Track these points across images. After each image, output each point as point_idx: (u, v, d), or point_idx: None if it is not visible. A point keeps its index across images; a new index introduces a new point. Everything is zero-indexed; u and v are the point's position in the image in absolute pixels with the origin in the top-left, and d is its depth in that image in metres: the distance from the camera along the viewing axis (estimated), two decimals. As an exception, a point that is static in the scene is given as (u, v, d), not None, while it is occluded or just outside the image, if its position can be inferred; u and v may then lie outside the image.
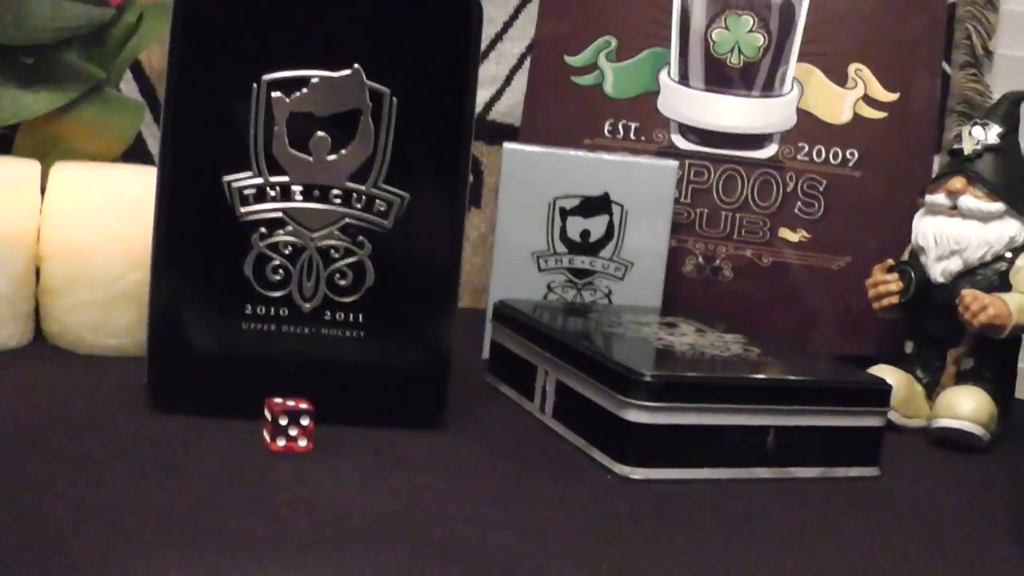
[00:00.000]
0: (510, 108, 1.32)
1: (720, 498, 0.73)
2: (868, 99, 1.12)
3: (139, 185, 0.90)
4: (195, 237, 0.78)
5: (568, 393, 0.82)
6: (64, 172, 0.92)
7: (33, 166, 0.92)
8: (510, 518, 0.66)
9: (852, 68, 1.12)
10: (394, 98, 0.77)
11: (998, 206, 0.95)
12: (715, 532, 0.67)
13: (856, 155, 1.11)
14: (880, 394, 0.82)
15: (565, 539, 0.63)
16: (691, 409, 0.76)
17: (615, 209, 1.01)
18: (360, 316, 0.79)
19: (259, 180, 0.77)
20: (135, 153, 1.11)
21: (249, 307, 0.78)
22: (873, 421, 0.81)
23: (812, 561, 0.64)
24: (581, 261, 1.02)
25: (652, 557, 0.62)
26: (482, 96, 1.32)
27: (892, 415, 0.90)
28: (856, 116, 1.12)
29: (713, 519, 0.70)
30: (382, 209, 0.78)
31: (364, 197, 0.78)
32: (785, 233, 1.12)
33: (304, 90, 0.77)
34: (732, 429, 0.77)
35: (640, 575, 0.60)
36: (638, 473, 0.75)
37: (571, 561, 0.60)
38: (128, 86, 1.26)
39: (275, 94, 0.76)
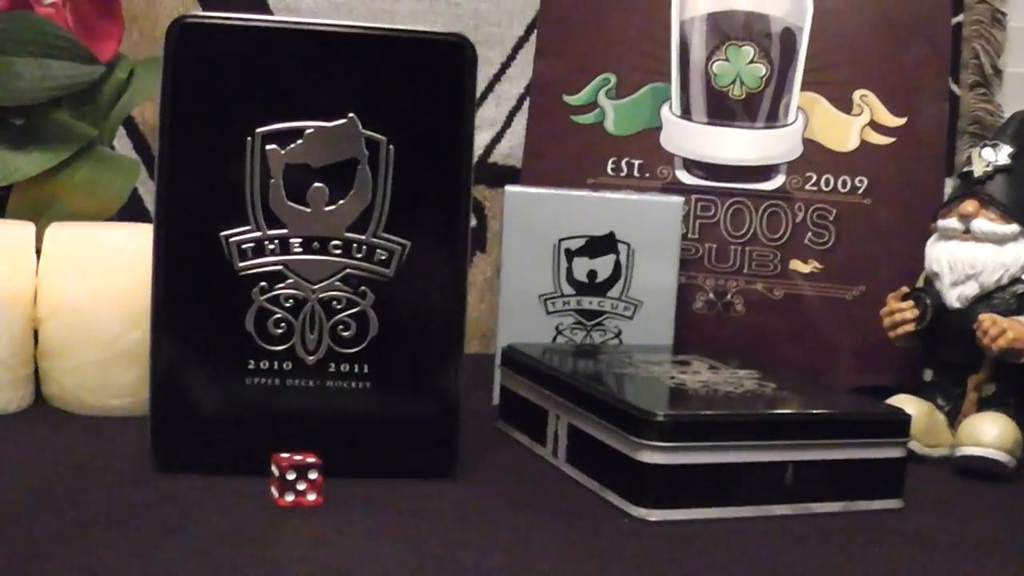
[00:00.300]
0: (511, 150, 1.33)
1: (739, 537, 0.74)
2: (875, 125, 1.13)
3: (136, 243, 0.91)
4: (194, 294, 0.78)
5: (581, 436, 0.83)
6: (59, 233, 0.93)
7: (27, 228, 0.93)
8: (526, 568, 0.66)
9: (857, 94, 1.13)
10: (391, 146, 0.78)
11: (1012, 227, 0.95)
12: (736, 573, 0.67)
13: (865, 182, 1.12)
14: (900, 424, 0.82)
15: (582, 586, 0.64)
16: (706, 448, 0.76)
17: (621, 248, 1.02)
18: (365, 367, 0.79)
19: (257, 234, 0.78)
20: (131, 211, 1.13)
21: (252, 362, 0.78)
22: (894, 452, 0.81)
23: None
24: (589, 302, 1.03)
25: (672, 600, 0.63)
26: (482, 139, 1.33)
27: (913, 445, 0.90)
28: (863, 143, 1.13)
29: (733, 560, 0.70)
30: (383, 258, 0.79)
31: (364, 247, 0.79)
32: (796, 265, 1.13)
33: (299, 141, 0.78)
34: (749, 466, 0.77)
35: (660, 619, 0.60)
36: (655, 515, 0.75)
37: (589, 608, 0.61)
38: (122, 143, 1.27)
39: (270, 146, 0.77)
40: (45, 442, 0.86)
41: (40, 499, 0.73)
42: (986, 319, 0.92)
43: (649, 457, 0.75)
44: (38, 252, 0.94)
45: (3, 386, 0.91)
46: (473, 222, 1.34)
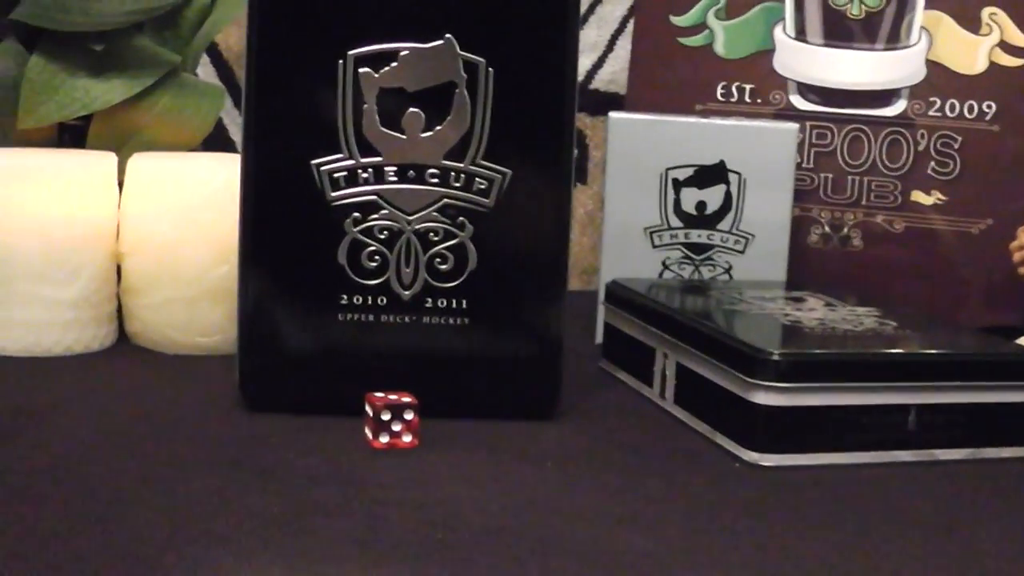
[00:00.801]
0: (614, 76, 1.32)
1: (858, 485, 0.73)
2: (1005, 45, 1.11)
3: (222, 174, 0.91)
4: (284, 226, 0.79)
5: (690, 377, 0.82)
6: (141, 164, 0.94)
7: (109, 159, 0.94)
8: (631, 514, 0.66)
9: (986, 12, 1.11)
10: (490, 69, 0.78)
11: None
12: (853, 522, 0.67)
13: (994, 108, 1.10)
14: (1031, 366, 0.81)
15: (691, 535, 0.63)
16: (823, 389, 0.75)
17: (732, 178, 1.01)
18: (464, 302, 0.79)
19: (350, 162, 0.78)
20: (216, 141, 1.13)
21: (344, 297, 0.79)
22: (1024, 397, 0.80)
23: (961, 553, 0.63)
24: (698, 235, 1.02)
25: (786, 551, 0.62)
26: (583, 64, 1.33)
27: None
28: (992, 65, 1.11)
29: (851, 508, 0.69)
30: (483, 187, 0.79)
31: (463, 175, 0.78)
32: (918, 196, 1.11)
33: (394, 64, 0.77)
34: (869, 409, 0.76)
35: (774, 571, 0.59)
36: (768, 460, 0.75)
37: (699, 558, 0.60)
38: (205, 70, 1.28)
39: (363, 70, 0.77)
40: (129, 382, 0.87)
41: (123, 441, 0.74)
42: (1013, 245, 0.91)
43: (763, 398, 0.75)
44: (120, 184, 0.94)
45: (86, 324, 0.92)
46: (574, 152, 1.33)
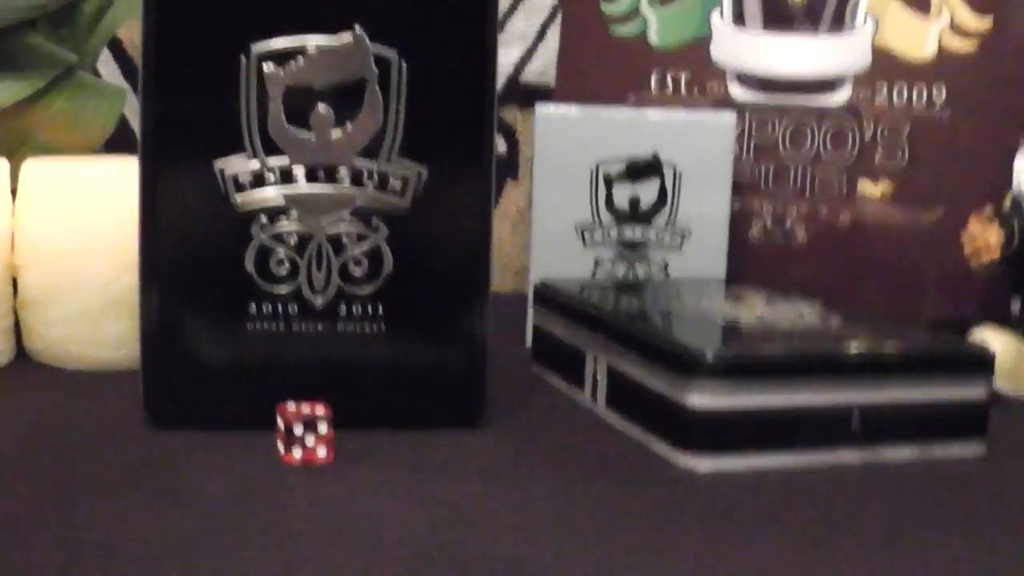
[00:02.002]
0: (544, 67, 1.33)
1: (800, 488, 0.74)
2: (955, 28, 1.13)
3: (124, 178, 0.91)
4: (187, 232, 0.79)
5: (622, 379, 0.83)
6: (36, 170, 0.93)
7: (1, 165, 0.94)
8: (562, 525, 0.67)
9: (934, -7, 1.12)
10: (403, 62, 0.78)
11: (1109, 139, 0.95)
12: (794, 528, 0.68)
13: (944, 93, 1.12)
14: (982, 362, 0.82)
15: (622, 545, 0.64)
16: (761, 390, 0.76)
17: (667, 172, 1.02)
18: (380, 308, 0.80)
19: (255, 164, 0.78)
20: (121, 143, 1.13)
21: (253, 306, 0.79)
22: (975, 393, 0.81)
23: (909, 556, 0.64)
24: (631, 232, 1.03)
25: (726, 560, 0.63)
26: (512, 56, 1.33)
27: (999, 385, 0.90)
28: (942, 49, 1.13)
29: (792, 513, 0.70)
30: (397, 187, 0.79)
31: (376, 175, 0.79)
32: (865, 187, 1.12)
33: (300, 61, 0.78)
34: (811, 410, 0.77)
35: (710, 578, 0.60)
36: (705, 465, 0.76)
37: (630, 570, 0.61)
38: (108, 68, 1.28)
39: (267, 67, 0.77)
40: (28, 401, 0.86)
41: (22, 465, 0.74)
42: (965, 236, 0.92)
43: (698, 401, 0.76)
44: (13, 192, 0.94)
45: (-20, 340, 0.92)
46: (503, 148, 1.34)
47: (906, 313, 1.08)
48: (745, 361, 0.77)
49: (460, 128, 0.80)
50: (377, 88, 0.78)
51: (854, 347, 0.80)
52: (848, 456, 0.78)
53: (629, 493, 0.72)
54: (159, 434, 0.79)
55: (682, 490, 0.73)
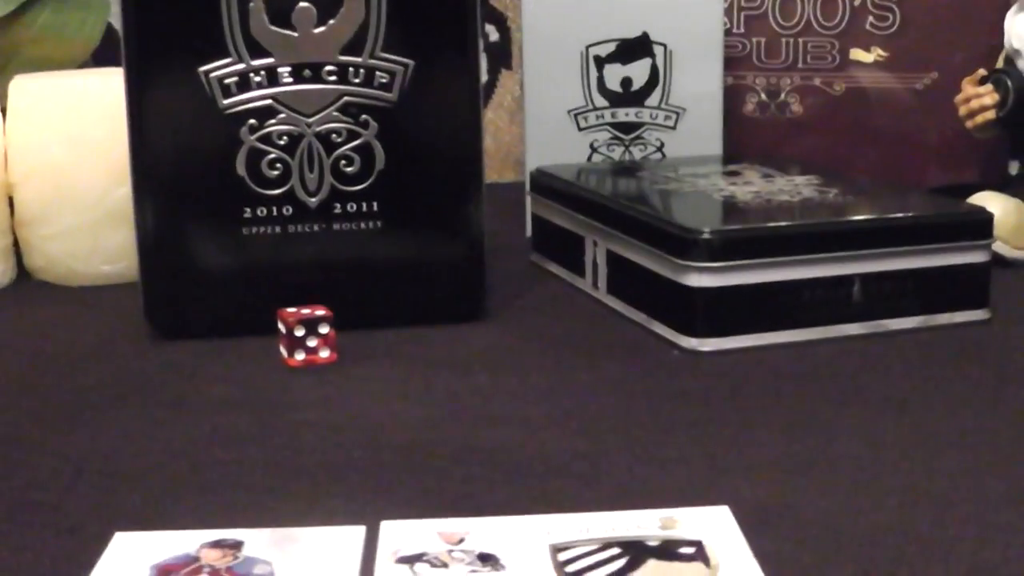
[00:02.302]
0: (531, -49, 1.31)
1: (804, 364, 0.73)
2: None
3: (114, 88, 0.89)
4: (177, 140, 0.77)
5: (621, 264, 0.82)
6: (25, 86, 0.92)
7: (-12, 83, 0.93)
8: (565, 413, 0.66)
9: None
10: (382, -48, 0.77)
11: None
12: (802, 402, 0.67)
13: (932, -47, 1.10)
14: (981, 225, 0.81)
15: (629, 431, 0.63)
16: (760, 266, 0.75)
17: (657, 50, 1.00)
18: (375, 205, 0.79)
19: (240, 66, 0.77)
20: (110, 54, 1.11)
21: (248, 210, 0.78)
22: (976, 257, 0.80)
23: (916, 425, 0.64)
24: (625, 114, 1.01)
25: (730, 439, 0.62)
26: (499, -58, 1.31)
27: (1000, 247, 0.89)
28: (929, -91, 1.10)
29: (798, 388, 0.69)
30: (384, 81, 0.78)
31: (362, 70, 0.77)
32: (858, 54, 1.11)
33: (278, -44, 0.76)
34: (810, 283, 0.76)
35: (720, 463, 0.59)
36: (708, 345, 0.75)
37: (636, 453, 0.60)
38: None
39: (245, -35, 0.76)
40: (29, 318, 0.86)
41: (22, 381, 0.73)
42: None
43: (697, 280, 0.75)
44: (3, 110, 0.93)
45: (-21, 261, 0.91)
46: (495, 36, 1.32)
47: (905, 181, 1.07)
48: (741, 237, 0.75)
49: (444, 19, 0.78)
50: (359, -19, 0.77)
51: (852, 218, 0.79)
52: (851, 329, 0.77)
53: (632, 378, 0.71)
54: (162, 344, 0.78)
55: (686, 372, 0.72)
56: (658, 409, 0.66)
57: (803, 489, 0.56)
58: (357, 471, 0.59)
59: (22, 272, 0.95)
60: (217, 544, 0.51)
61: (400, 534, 0.52)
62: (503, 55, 1.33)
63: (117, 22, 1.09)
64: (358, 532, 0.52)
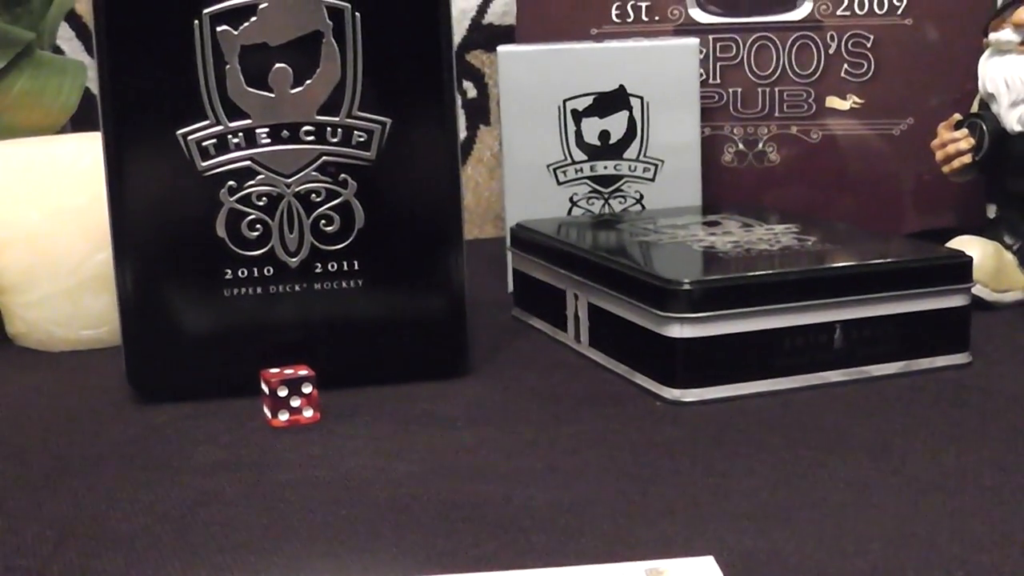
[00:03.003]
0: (507, 7, 1.32)
1: (787, 412, 0.73)
2: (910, -66, 1.11)
3: (91, 153, 0.90)
4: (156, 203, 0.78)
5: (602, 316, 0.82)
6: (3, 152, 0.92)
7: (-34, 150, 0.93)
8: (549, 467, 0.66)
9: None
10: (357, 13, 0.77)
11: (1076, 34, 0.94)
12: (786, 451, 0.67)
13: (905, 1, 1.10)
14: (960, 268, 0.81)
15: (614, 482, 0.64)
16: (741, 315, 0.75)
17: (634, 103, 1.01)
18: (355, 263, 0.79)
19: (218, 128, 0.77)
20: (88, 119, 1.12)
21: (229, 271, 0.78)
22: (957, 301, 0.81)
23: (899, 470, 0.64)
24: (604, 167, 1.02)
25: (716, 489, 0.62)
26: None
27: (979, 291, 0.89)
28: (900, -44, 1.11)
29: (782, 436, 0.69)
30: (362, 140, 0.78)
31: (340, 130, 0.78)
32: (833, 102, 1.11)
33: (253, 19, 0.77)
34: (791, 331, 0.77)
35: (704, 513, 0.60)
36: (690, 395, 0.75)
37: (621, 507, 0.61)
38: (71, 45, 1.27)
39: (221, 28, 0.76)
40: (13, 384, 0.86)
41: (10, 447, 0.73)
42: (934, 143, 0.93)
43: (678, 331, 0.75)
44: (-18, 177, 0.93)
45: (-39, 328, 0.91)
46: (474, 93, 1.33)
47: (883, 226, 1.08)
48: (721, 287, 0.76)
49: (420, 77, 0.79)
50: (333, 41, 0.77)
51: (831, 265, 0.79)
52: (833, 376, 0.78)
53: (616, 430, 0.72)
54: (145, 408, 0.78)
55: (670, 423, 0.72)
56: (642, 460, 0.67)
57: (788, 536, 0.56)
58: (342, 529, 0.59)
59: (3, 338, 0.95)
60: (203, 606, 0.51)
61: (386, 591, 0.52)
62: (481, 111, 1.34)
63: (95, 86, 1.10)
64: (344, 590, 0.52)
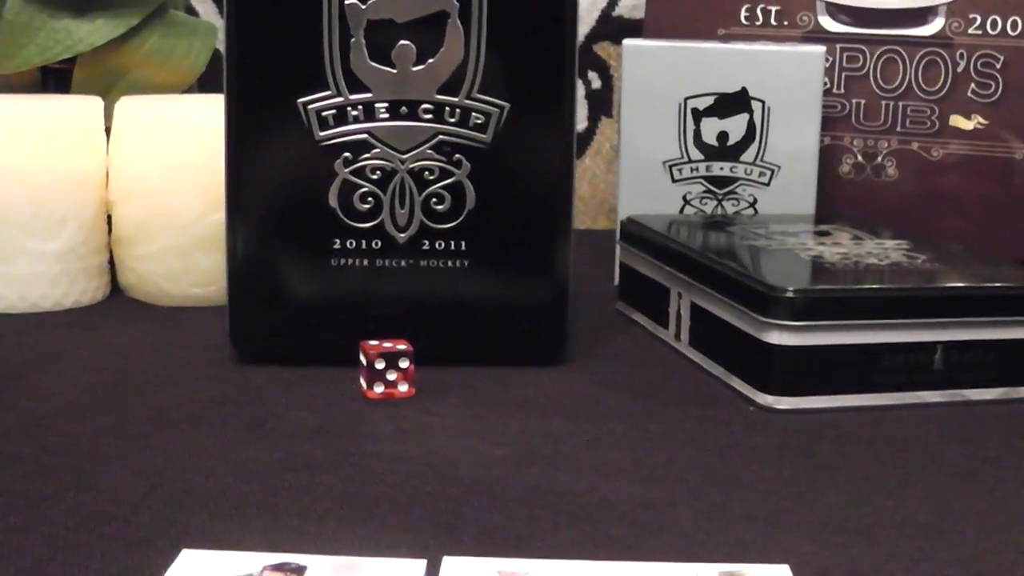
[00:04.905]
0: (637, 2, 1.31)
1: (878, 428, 0.73)
2: (1051, -44, 1.10)
3: (215, 115, 0.91)
4: (272, 169, 0.79)
5: (704, 317, 0.82)
6: (130, 107, 0.94)
7: (95, 103, 0.94)
8: (636, 462, 0.66)
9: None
10: (484, -5, 0.78)
11: None
12: (874, 467, 0.67)
13: (1039, 24, 1.09)
14: (1070, 300, 0.80)
15: (698, 483, 0.64)
16: (841, 327, 0.75)
17: (756, 106, 1.01)
18: (463, 244, 0.80)
19: (339, 99, 0.78)
20: (215, 80, 1.13)
21: (337, 241, 0.79)
22: (1063, 331, 0.80)
23: (987, 497, 0.63)
24: (720, 168, 1.02)
25: (798, 499, 0.62)
26: (605, -10, 1.32)
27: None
28: (1037, -22, 1.10)
29: (871, 452, 0.69)
30: (479, 122, 0.79)
31: (458, 110, 0.78)
32: (957, 121, 1.10)
33: (382, -7, 0.77)
34: (891, 348, 0.76)
35: (785, 522, 0.60)
36: (784, 403, 0.75)
37: (701, 506, 0.61)
38: (205, 7, 1.28)
39: (349, 1, 0.77)
40: (118, 336, 0.87)
41: (106, 398, 0.75)
42: None
43: (777, 338, 0.75)
44: (108, 130, 0.95)
45: (75, 276, 0.93)
46: (598, 84, 1.33)
47: (998, 251, 1.06)
48: (824, 297, 0.75)
49: (541, 64, 0.79)
50: (458, 22, 0.78)
51: (937, 285, 0.79)
52: (930, 396, 0.77)
53: (706, 431, 0.71)
54: (245, 369, 0.80)
55: (761, 429, 0.72)
56: (729, 464, 0.67)
57: (866, 553, 0.56)
58: (424, 505, 0.60)
59: (115, 289, 0.97)
60: (280, 567, 0.52)
61: (461, 570, 0.52)
62: (604, 103, 1.34)
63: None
64: (419, 566, 0.53)
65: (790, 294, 0.74)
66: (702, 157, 1.01)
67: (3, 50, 0.96)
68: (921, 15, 1.10)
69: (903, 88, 1.10)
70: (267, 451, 0.66)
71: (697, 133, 1.01)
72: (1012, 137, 1.08)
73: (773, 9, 1.12)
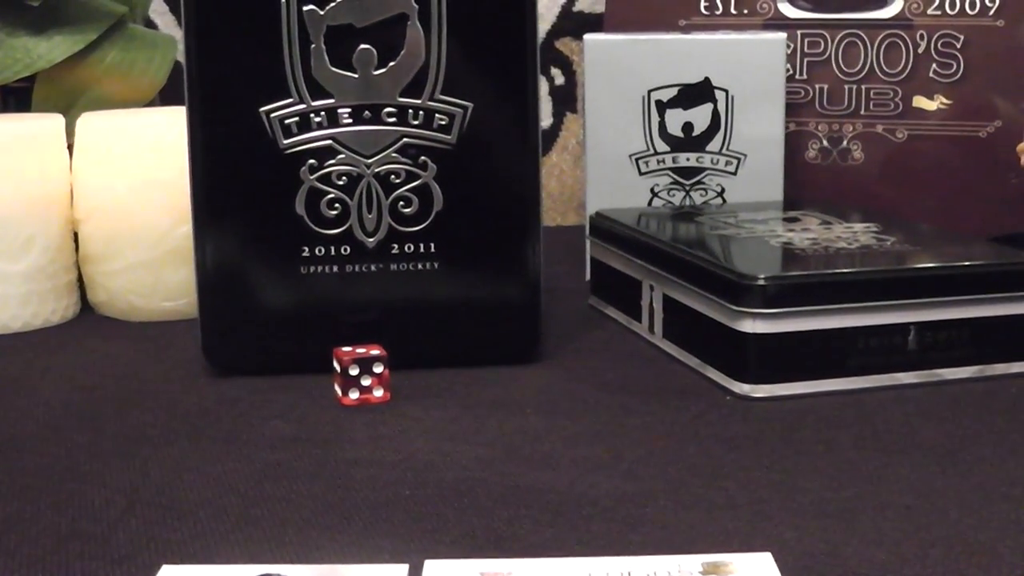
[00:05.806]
0: (597, -4, 1.32)
1: (856, 412, 0.73)
2: (1006, -68, 1.10)
3: (178, 128, 0.91)
4: (237, 179, 0.78)
5: (677, 308, 0.82)
6: (92, 123, 0.94)
7: (56, 121, 0.94)
8: (615, 457, 0.66)
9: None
10: (443, -4, 0.78)
11: None
12: (853, 450, 0.67)
13: (997, 1, 1.09)
14: (1041, 275, 0.80)
15: (678, 475, 0.64)
16: (814, 313, 0.75)
17: (719, 96, 1.01)
18: (432, 246, 0.79)
19: (301, 107, 0.78)
20: (178, 94, 1.13)
21: (306, 249, 0.79)
22: (1035, 308, 0.80)
23: (966, 476, 0.63)
24: (686, 159, 1.02)
25: (780, 486, 0.62)
26: (565, -14, 1.32)
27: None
28: (994, -44, 1.10)
29: (850, 436, 0.69)
30: (443, 123, 0.78)
31: (421, 112, 0.78)
32: (921, 102, 1.10)
33: (339, -1, 0.77)
34: (865, 331, 0.76)
35: (766, 509, 0.59)
36: (760, 391, 0.75)
37: (683, 500, 0.60)
38: (164, 19, 1.28)
39: (307, 7, 0.77)
40: (89, 354, 0.87)
41: (80, 416, 0.74)
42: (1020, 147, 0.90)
43: (751, 326, 0.75)
44: (70, 148, 0.94)
45: (44, 296, 0.92)
46: (561, 79, 1.33)
47: (966, 229, 1.06)
48: (796, 283, 0.75)
49: (503, 62, 0.79)
50: (418, 24, 0.77)
51: (908, 266, 0.79)
52: (905, 377, 0.77)
53: (684, 422, 0.71)
54: (219, 381, 0.79)
55: (738, 418, 0.72)
56: (707, 454, 0.66)
57: (848, 537, 0.56)
58: (404, 510, 0.59)
59: (85, 306, 0.96)
60: (262, 579, 0.52)
61: (443, 573, 0.52)
62: (568, 99, 1.33)
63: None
64: (401, 570, 0.52)
65: (762, 282, 0.74)
66: (668, 149, 1.01)
67: (-39, 71, 0.96)
68: (880, -3, 1.10)
69: (865, 71, 1.10)
70: (244, 462, 0.66)
71: (662, 125, 1.01)
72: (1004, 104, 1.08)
73: (732, -2, 1.12)
